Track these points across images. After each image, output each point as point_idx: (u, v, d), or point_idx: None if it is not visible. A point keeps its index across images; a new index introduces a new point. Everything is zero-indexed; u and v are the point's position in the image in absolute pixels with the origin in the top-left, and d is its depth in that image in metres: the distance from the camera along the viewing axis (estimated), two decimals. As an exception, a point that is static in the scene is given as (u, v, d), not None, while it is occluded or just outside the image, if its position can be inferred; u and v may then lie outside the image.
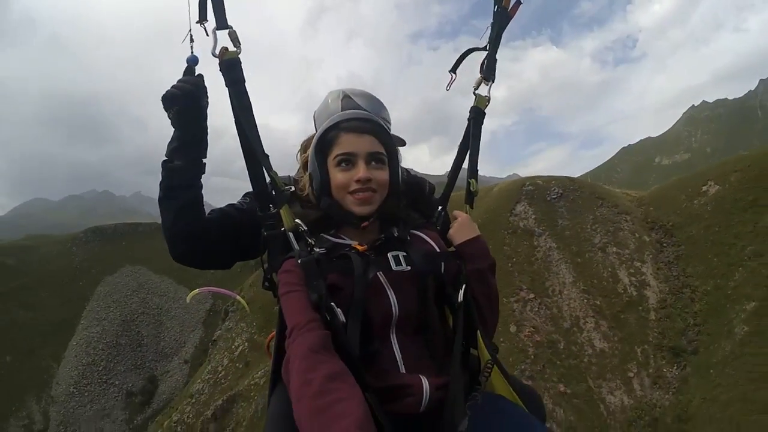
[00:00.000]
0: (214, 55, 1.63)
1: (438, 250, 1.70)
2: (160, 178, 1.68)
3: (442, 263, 1.63)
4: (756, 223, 21.42)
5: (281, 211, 1.63)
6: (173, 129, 1.68)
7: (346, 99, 2.04)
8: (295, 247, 1.57)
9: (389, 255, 1.57)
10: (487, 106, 1.99)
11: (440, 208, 1.97)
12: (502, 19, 1.96)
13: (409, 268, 1.55)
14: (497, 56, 1.98)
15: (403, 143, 2.20)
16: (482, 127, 1.98)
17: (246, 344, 52.54)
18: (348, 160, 1.57)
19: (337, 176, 1.58)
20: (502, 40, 1.98)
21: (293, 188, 1.75)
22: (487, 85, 2.00)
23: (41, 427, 77.43)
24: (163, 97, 1.65)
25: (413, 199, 1.92)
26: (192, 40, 1.67)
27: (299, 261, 1.49)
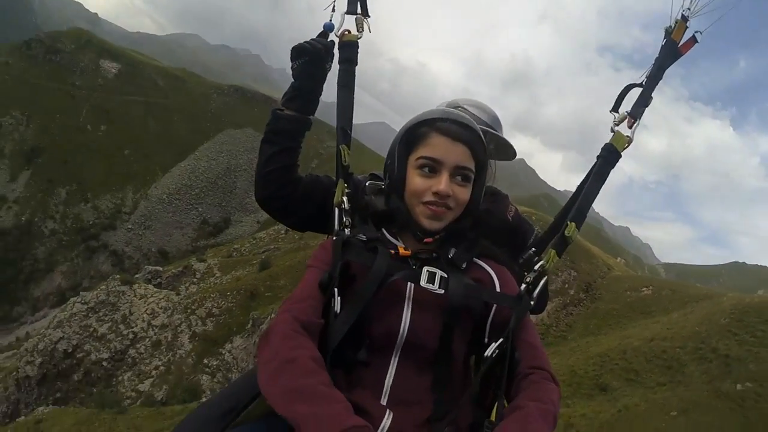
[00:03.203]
0: (336, 35, 1.67)
1: (498, 288, 1.43)
2: (267, 122, 1.70)
3: (494, 306, 1.39)
4: (645, 327, 29.90)
5: (337, 184, 1.55)
6: (293, 80, 1.68)
7: (461, 110, 1.85)
8: (335, 224, 1.50)
9: (425, 269, 1.35)
10: (626, 148, 1.62)
11: (533, 250, 1.63)
12: (668, 55, 1.66)
13: (442, 291, 1.32)
14: (653, 96, 1.66)
15: (512, 155, 2.18)
16: (612, 170, 1.62)
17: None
18: (432, 167, 1.36)
19: (416, 180, 1.37)
20: (663, 78, 1.66)
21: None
22: (632, 124, 1.64)
23: (128, 211, 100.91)
24: (293, 48, 1.65)
25: (512, 249, 1.65)
26: (333, 10, 1.69)
27: (333, 239, 1.44)
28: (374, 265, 1.31)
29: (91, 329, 36.33)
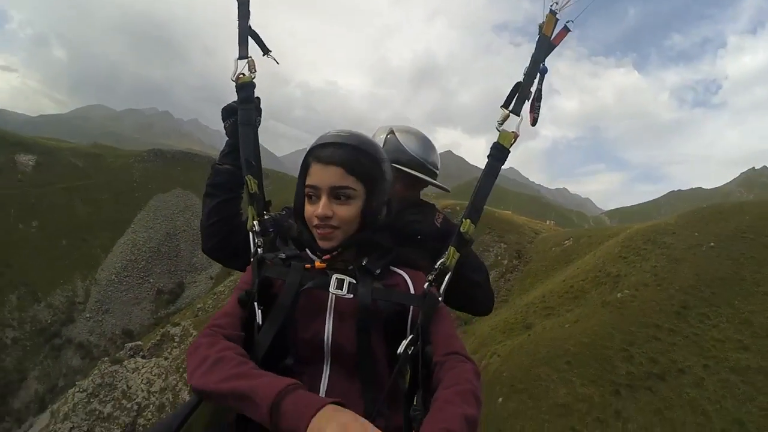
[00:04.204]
0: (232, 79, 1.77)
1: (412, 291, 1.50)
2: (208, 177, 1.82)
3: (411, 306, 1.46)
4: (564, 272, 34.41)
5: (248, 211, 1.65)
6: (227, 138, 1.84)
7: (391, 135, 2.02)
8: (251, 247, 1.59)
9: (334, 276, 1.43)
10: (513, 143, 1.67)
11: (444, 254, 1.62)
12: (542, 48, 1.72)
13: (351, 296, 1.41)
14: (538, 87, 1.73)
15: (446, 191, 2.30)
16: (502, 165, 1.70)
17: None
18: (313, 193, 1.45)
19: (306, 208, 1.48)
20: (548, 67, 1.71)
21: None
22: (519, 120, 1.68)
23: (81, 301, 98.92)
24: (223, 108, 1.80)
25: (437, 252, 1.64)
26: (253, 70, 1.79)
27: (251, 260, 1.51)
28: (288, 277, 1.42)
29: (97, 412, 37.34)
